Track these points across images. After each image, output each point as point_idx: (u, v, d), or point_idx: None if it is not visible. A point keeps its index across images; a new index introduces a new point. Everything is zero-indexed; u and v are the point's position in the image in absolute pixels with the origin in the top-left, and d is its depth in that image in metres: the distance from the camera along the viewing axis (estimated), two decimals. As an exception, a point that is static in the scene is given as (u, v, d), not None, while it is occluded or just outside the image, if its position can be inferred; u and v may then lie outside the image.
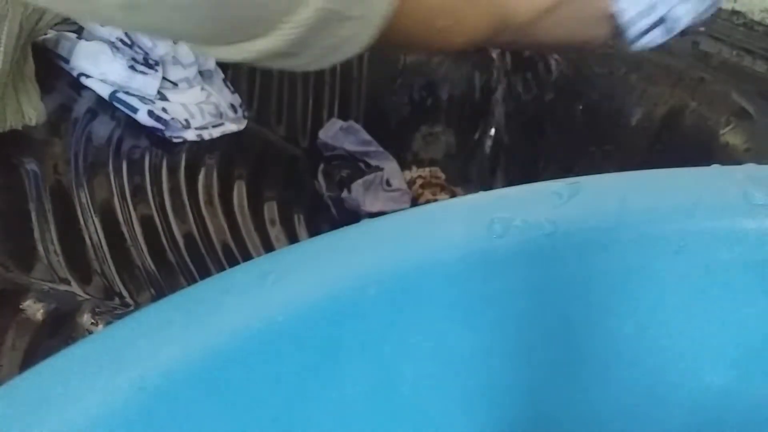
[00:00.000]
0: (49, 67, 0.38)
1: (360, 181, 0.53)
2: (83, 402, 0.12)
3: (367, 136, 0.58)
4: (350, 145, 0.57)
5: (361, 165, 0.57)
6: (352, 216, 0.53)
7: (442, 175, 0.59)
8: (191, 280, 0.34)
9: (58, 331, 0.27)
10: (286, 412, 0.14)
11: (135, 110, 0.39)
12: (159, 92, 0.40)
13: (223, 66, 0.47)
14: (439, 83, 0.67)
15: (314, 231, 0.44)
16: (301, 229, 0.42)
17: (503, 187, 0.16)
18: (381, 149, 0.58)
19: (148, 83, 0.39)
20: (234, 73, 0.50)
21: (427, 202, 0.55)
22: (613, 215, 0.16)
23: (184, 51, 0.41)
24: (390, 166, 0.56)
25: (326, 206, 0.54)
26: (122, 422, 0.12)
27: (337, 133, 0.57)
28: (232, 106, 0.47)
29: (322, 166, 0.56)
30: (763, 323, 0.16)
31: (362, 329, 0.14)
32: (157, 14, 0.18)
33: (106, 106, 0.39)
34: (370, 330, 0.14)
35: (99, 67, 0.38)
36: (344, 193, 0.53)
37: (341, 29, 0.20)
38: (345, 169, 0.56)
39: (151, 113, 0.39)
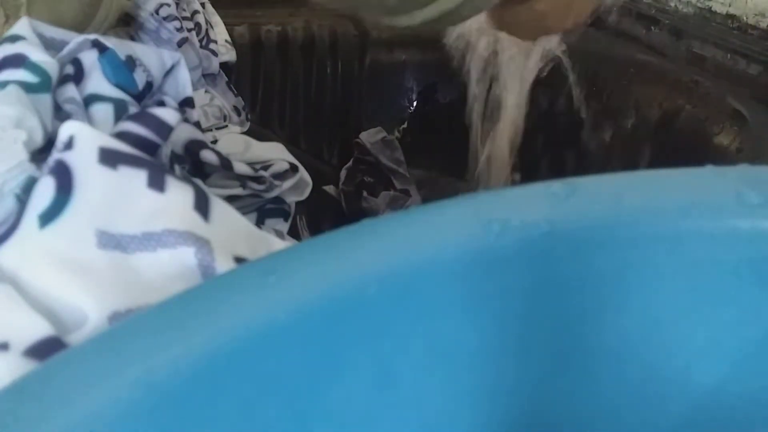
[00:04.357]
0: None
1: (389, 194, 0.55)
2: (88, 400, 0.12)
3: (401, 157, 0.60)
4: (385, 159, 0.58)
5: (390, 178, 0.58)
6: (357, 212, 0.53)
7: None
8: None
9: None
10: (288, 410, 0.14)
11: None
12: (162, 95, 0.40)
13: (226, 69, 0.48)
14: (439, 86, 0.67)
15: (315, 230, 0.44)
16: (302, 228, 0.42)
17: (502, 187, 0.17)
18: (407, 174, 0.59)
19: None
20: (237, 77, 0.50)
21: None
22: (608, 215, 0.16)
23: (189, 55, 0.41)
24: (414, 194, 0.58)
25: (330, 205, 0.54)
26: (126, 420, 0.12)
27: (378, 143, 0.59)
28: (236, 109, 0.47)
29: (349, 163, 0.57)
30: (756, 322, 0.17)
31: (362, 328, 0.14)
32: None
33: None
34: (370, 328, 0.15)
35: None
36: (365, 194, 0.55)
37: None
38: (370, 176, 0.57)
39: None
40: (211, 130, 0.43)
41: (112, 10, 0.34)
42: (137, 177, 0.21)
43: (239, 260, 0.21)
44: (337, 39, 0.62)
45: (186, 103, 0.30)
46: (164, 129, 0.24)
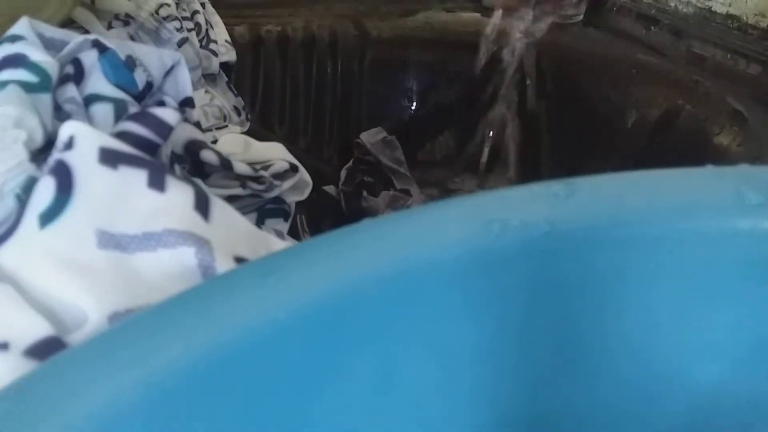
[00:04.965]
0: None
1: (389, 193, 0.55)
2: (87, 401, 0.12)
3: (401, 157, 0.60)
4: (385, 159, 0.58)
5: (390, 178, 0.58)
6: (357, 212, 0.53)
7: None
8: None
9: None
10: (288, 410, 0.14)
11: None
12: (162, 95, 0.40)
13: (226, 69, 0.48)
14: (440, 84, 0.67)
15: (315, 230, 0.44)
16: (303, 228, 0.42)
17: (502, 187, 0.17)
18: (408, 174, 0.59)
19: (150, 86, 0.39)
20: (237, 76, 0.50)
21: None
22: (608, 215, 0.16)
23: (189, 54, 0.41)
24: (415, 193, 0.58)
25: (330, 205, 0.54)
26: (126, 421, 0.12)
27: (378, 143, 0.59)
28: (236, 109, 0.47)
29: (349, 163, 0.57)
30: (756, 322, 0.17)
31: (363, 328, 0.14)
32: None
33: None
34: (370, 328, 0.15)
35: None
36: (365, 194, 0.55)
37: None
38: (370, 176, 0.57)
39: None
40: (211, 130, 0.43)
41: None
42: (137, 177, 0.21)
43: (239, 260, 0.21)
44: (337, 39, 0.62)
45: (186, 103, 0.30)
46: (164, 129, 0.24)
